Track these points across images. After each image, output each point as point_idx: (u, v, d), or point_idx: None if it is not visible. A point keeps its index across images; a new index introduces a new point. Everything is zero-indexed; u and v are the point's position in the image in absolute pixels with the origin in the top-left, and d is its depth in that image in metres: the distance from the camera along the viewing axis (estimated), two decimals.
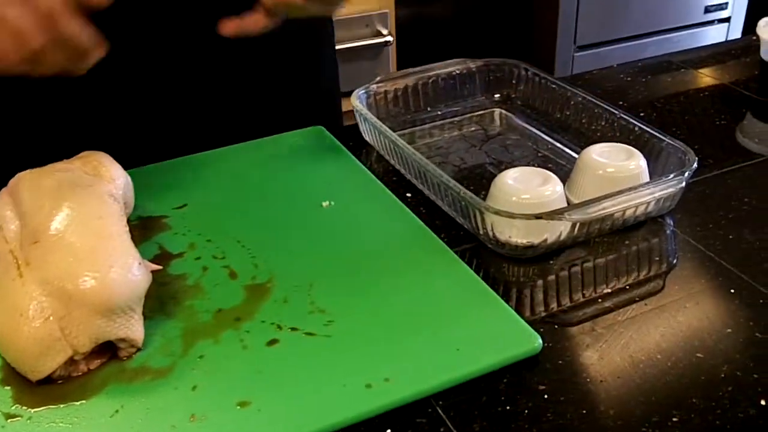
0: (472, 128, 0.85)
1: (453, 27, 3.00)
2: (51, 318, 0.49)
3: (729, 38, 2.89)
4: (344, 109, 0.99)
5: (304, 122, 0.85)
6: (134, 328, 0.51)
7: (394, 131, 0.73)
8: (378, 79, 0.83)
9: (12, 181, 0.58)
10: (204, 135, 0.82)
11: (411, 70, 0.85)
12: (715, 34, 2.86)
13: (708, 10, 2.81)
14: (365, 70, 2.35)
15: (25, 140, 0.77)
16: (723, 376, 0.51)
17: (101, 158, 0.61)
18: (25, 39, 0.56)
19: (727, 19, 2.86)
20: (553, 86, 0.82)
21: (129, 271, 0.51)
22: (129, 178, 0.63)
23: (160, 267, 0.58)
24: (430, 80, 0.85)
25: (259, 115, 0.86)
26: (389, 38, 2.35)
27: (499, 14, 2.85)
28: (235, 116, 0.85)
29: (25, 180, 0.57)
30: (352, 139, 0.81)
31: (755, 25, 1.00)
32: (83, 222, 0.52)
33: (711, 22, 2.83)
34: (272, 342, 0.53)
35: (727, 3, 2.81)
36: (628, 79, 0.97)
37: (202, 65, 0.80)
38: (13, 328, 0.49)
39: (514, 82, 0.87)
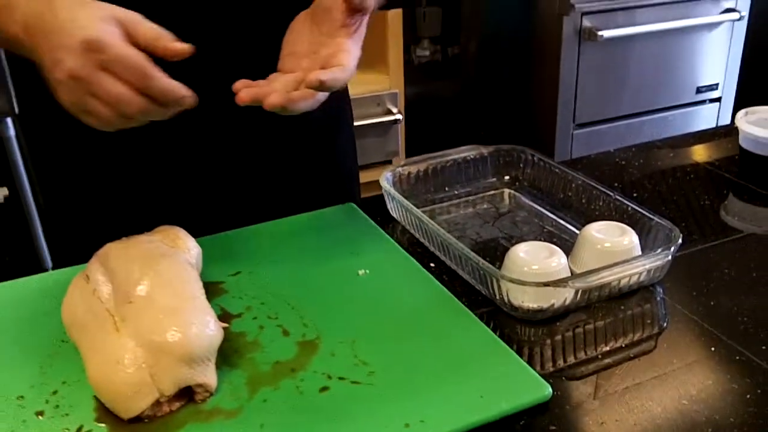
0: (485, 206, 0.96)
1: (458, 104, 3.15)
2: (143, 365, 0.58)
3: (720, 117, 3.03)
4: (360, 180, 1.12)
5: (329, 195, 0.97)
6: (210, 376, 0.61)
7: (417, 208, 0.84)
8: (402, 162, 0.94)
9: (101, 251, 0.69)
10: (244, 211, 0.92)
11: (430, 155, 0.97)
12: (707, 114, 3.00)
13: (700, 90, 2.95)
14: (376, 145, 2.49)
15: (106, 217, 0.88)
16: (704, 419, 0.60)
17: (178, 232, 0.72)
18: (123, 104, 0.63)
19: (718, 99, 3.00)
20: (556, 170, 0.94)
21: (207, 327, 0.61)
22: (200, 249, 0.74)
23: (227, 325, 0.68)
24: (448, 163, 0.97)
25: (291, 191, 0.97)
26: (399, 116, 2.49)
27: (501, 93, 2.99)
28: (270, 192, 0.96)
29: (114, 249, 0.68)
30: (378, 214, 0.92)
31: (746, 105, 1.11)
32: (168, 285, 0.62)
33: (703, 102, 2.98)
34: (324, 389, 0.62)
35: (717, 84, 2.96)
36: (623, 162, 1.09)
37: (239, 150, 0.91)
38: (110, 373, 0.59)
39: (521, 165, 0.98)
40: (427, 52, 3.14)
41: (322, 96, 0.71)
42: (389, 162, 2.64)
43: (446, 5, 3.06)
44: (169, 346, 0.58)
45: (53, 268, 2.48)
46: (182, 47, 0.65)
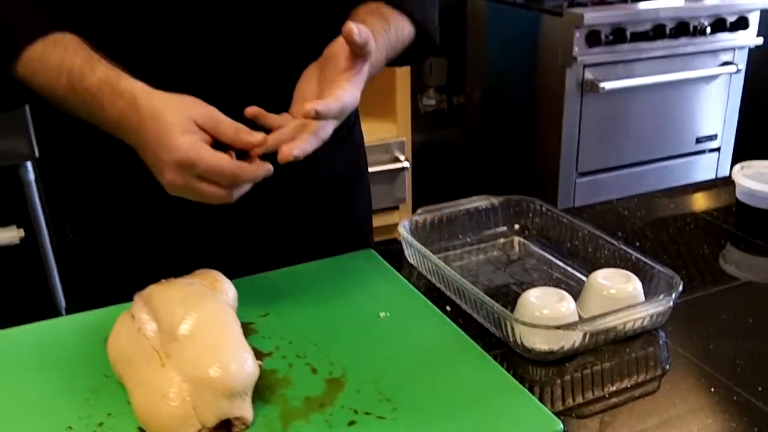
0: (496, 253, 1.01)
1: (463, 152, 3.22)
2: (187, 399, 0.63)
3: (719, 166, 3.10)
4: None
5: (347, 240, 1.03)
6: (247, 409, 0.66)
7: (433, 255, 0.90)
8: (419, 211, 1.00)
9: (145, 292, 0.74)
10: (266, 256, 0.98)
11: (444, 204, 1.03)
12: (706, 163, 3.07)
13: (699, 140, 3.02)
14: (384, 191, 2.56)
15: (148, 260, 0.94)
16: None
17: (216, 275, 0.78)
18: (217, 199, 0.74)
19: (718, 149, 3.07)
20: (564, 220, 0.99)
21: (245, 364, 0.66)
22: (236, 291, 0.79)
23: (261, 363, 0.73)
24: (460, 213, 1.03)
25: (311, 237, 1.03)
26: (406, 164, 2.56)
27: (505, 142, 3.07)
28: (292, 238, 1.02)
29: (157, 291, 0.73)
30: (395, 259, 0.97)
31: (745, 155, 1.17)
32: (210, 325, 0.68)
33: (702, 152, 3.05)
34: (351, 423, 0.67)
35: (716, 135, 3.03)
36: (626, 212, 1.15)
37: (263, 198, 0.97)
38: (156, 406, 0.64)
39: (530, 215, 1.04)
40: (433, 101, 3.23)
41: (325, 135, 0.78)
42: (396, 208, 2.70)
43: (452, 56, 3.15)
44: (211, 382, 0.64)
45: (67, 310, 2.54)
46: (256, 139, 0.75)
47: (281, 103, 0.81)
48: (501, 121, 3.09)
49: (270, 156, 0.76)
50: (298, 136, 0.76)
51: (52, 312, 2.41)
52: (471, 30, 3.10)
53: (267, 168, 0.76)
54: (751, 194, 1.07)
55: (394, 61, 0.95)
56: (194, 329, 0.67)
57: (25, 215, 2.42)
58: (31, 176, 2.30)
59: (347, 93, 0.78)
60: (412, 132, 2.64)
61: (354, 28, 0.77)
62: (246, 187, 0.77)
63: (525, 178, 2.91)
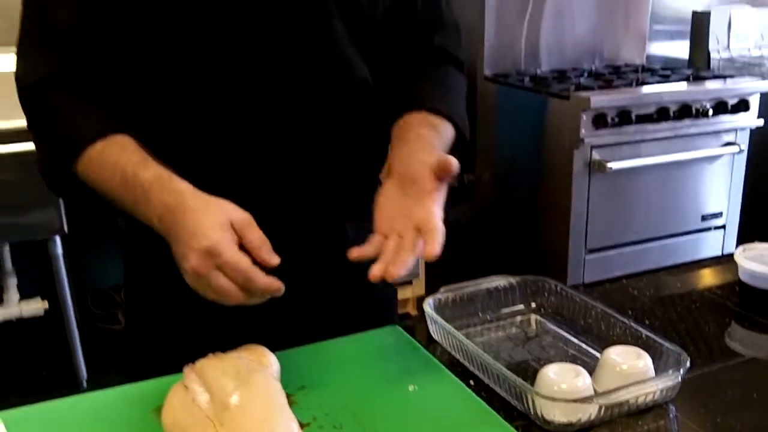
0: (514, 330, 1.08)
1: (474, 229, 3.30)
2: None
3: (725, 243, 3.16)
4: None
5: (373, 315, 1.11)
6: None
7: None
8: (442, 290, 1.07)
9: (197, 365, 0.81)
10: (298, 330, 1.05)
11: (465, 283, 1.10)
12: (712, 240, 3.14)
13: (705, 218, 3.10)
14: None
15: (191, 334, 1.02)
16: None
17: (262, 350, 0.85)
18: (228, 296, 0.82)
19: (723, 226, 3.14)
20: (577, 299, 1.06)
21: None
22: (279, 365, 0.86)
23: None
24: (480, 291, 1.10)
25: (341, 313, 1.10)
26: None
27: (515, 219, 3.15)
28: (324, 314, 1.09)
29: (209, 364, 0.80)
30: (420, 334, 1.04)
31: (750, 231, 1.25)
32: (259, 396, 0.75)
33: (708, 229, 3.13)
34: None
35: (722, 212, 3.11)
36: (635, 292, 1.21)
37: (295, 277, 1.05)
38: None
39: (545, 294, 1.11)
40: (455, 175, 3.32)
41: (418, 249, 0.88)
42: (409, 282, 2.77)
43: None
44: None
45: (88, 383, 2.57)
46: (272, 261, 0.83)
47: (321, 200, 0.90)
48: (511, 199, 3.19)
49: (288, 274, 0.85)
50: (398, 257, 0.86)
51: (74, 383, 2.46)
52: (481, 111, 3.22)
53: (278, 286, 0.83)
54: (753, 275, 1.14)
55: None
56: (245, 400, 0.74)
57: (50, 288, 2.49)
58: (59, 250, 2.38)
59: (440, 218, 0.89)
60: None
61: (452, 162, 0.88)
62: (258, 298, 0.84)
63: (535, 254, 2.99)
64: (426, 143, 0.99)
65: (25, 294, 2.53)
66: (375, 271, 0.86)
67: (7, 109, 2.58)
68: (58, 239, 2.37)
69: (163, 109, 0.97)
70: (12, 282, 2.51)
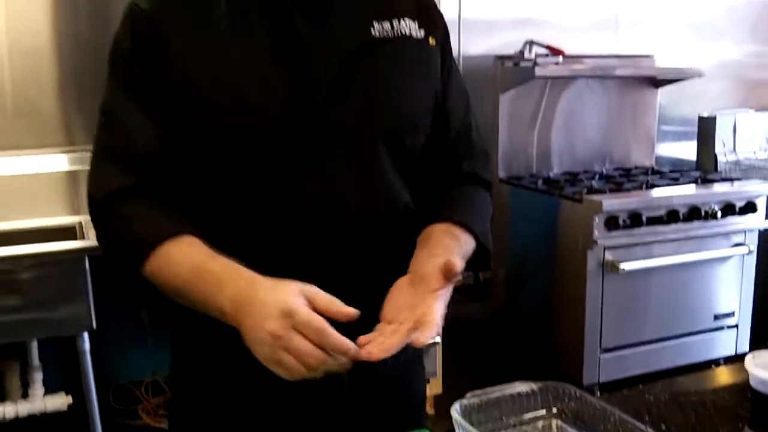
0: None
1: (490, 326, 3.35)
2: None
3: (738, 342, 3.18)
4: None
5: (405, 418, 1.18)
6: None
7: None
8: (468, 395, 1.13)
9: None
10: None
11: (490, 389, 1.16)
12: (724, 339, 3.16)
13: (717, 317, 3.14)
14: None
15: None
16: None
17: None
18: (306, 356, 0.87)
19: (735, 326, 3.17)
20: (596, 405, 1.12)
21: None
22: None
23: None
24: (504, 397, 1.16)
25: (375, 415, 1.17)
26: (438, 338, 2.68)
27: (530, 317, 3.19)
28: (359, 416, 1.15)
29: None
30: None
31: (762, 331, 1.30)
32: None
33: (720, 328, 3.15)
34: None
35: (734, 312, 3.15)
36: (651, 397, 1.27)
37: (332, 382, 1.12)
38: None
39: (566, 400, 1.17)
40: (460, 276, 3.39)
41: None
42: (427, 381, 2.80)
43: None
44: None
45: None
46: (348, 311, 0.90)
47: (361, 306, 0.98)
48: (525, 298, 3.24)
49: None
50: (385, 341, 0.93)
51: None
52: (495, 212, 3.30)
53: (350, 345, 0.89)
54: (764, 383, 1.20)
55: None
56: None
57: (74, 382, 2.53)
58: (87, 346, 2.44)
59: (438, 315, 0.98)
60: None
61: (456, 264, 0.96)
62: (331, 362, 0.89)
63: (551, 352, 3.02)
64: (444, 249, 1.08)
65: (49, 388, 2.57)
66: (361, 348, 0.92)
67: (38, 208, 2.72)
68: (85, 335, 2.43)
69: (220, 220, 1.06)
70: (38, 377, 2.56)
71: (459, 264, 0.99)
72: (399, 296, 1.01)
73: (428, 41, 1.13)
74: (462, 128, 1.21)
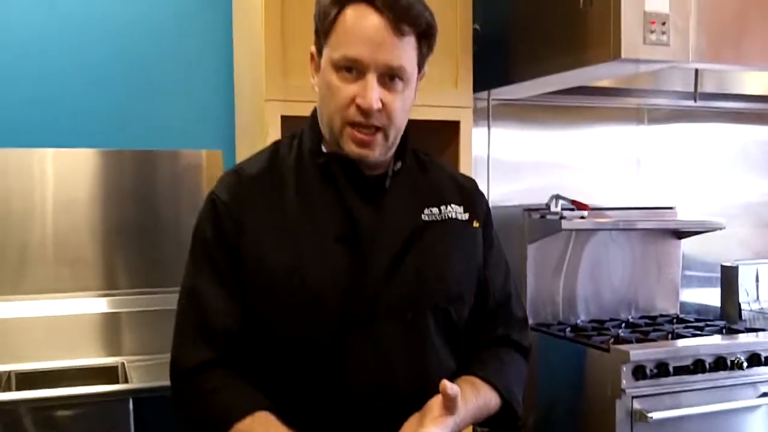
0: None
1: None
2: None
3: None
4: None
5: None
6: None
7: None
8: None
9: None
10: None
11: None
12: None
13: None
14: None
15: None
16: None
17: None
18: None
19: None
20: None
21: None
22: None
23: None
24: None
25: None
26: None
27: None
28: None
29: None
30: None
31: None
32: None
33: None
34: None
35: None
36: None
37: None
38: None
39: None
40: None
41: None
42: None
43: None
44: None
45: None
46: None
47: None
48: None
49: None
50: None
51: None
52: None
53: None
54: None
55: (484, 424, 1.22)
56: None
57: None
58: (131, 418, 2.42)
59: None
60: None
61: (448, 385, 1.07)
62: None
63: None
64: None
65: None
66: None
67: (80, 348, 2.77)
68: (130, 402, 2.42)
69: (281, 387, 1.17)
70: None
71: (451, 387, 1.09)
72: (409, 426, 1.10)
73: (472, 223, 1.26)
74: (501, 297, 1.33)
